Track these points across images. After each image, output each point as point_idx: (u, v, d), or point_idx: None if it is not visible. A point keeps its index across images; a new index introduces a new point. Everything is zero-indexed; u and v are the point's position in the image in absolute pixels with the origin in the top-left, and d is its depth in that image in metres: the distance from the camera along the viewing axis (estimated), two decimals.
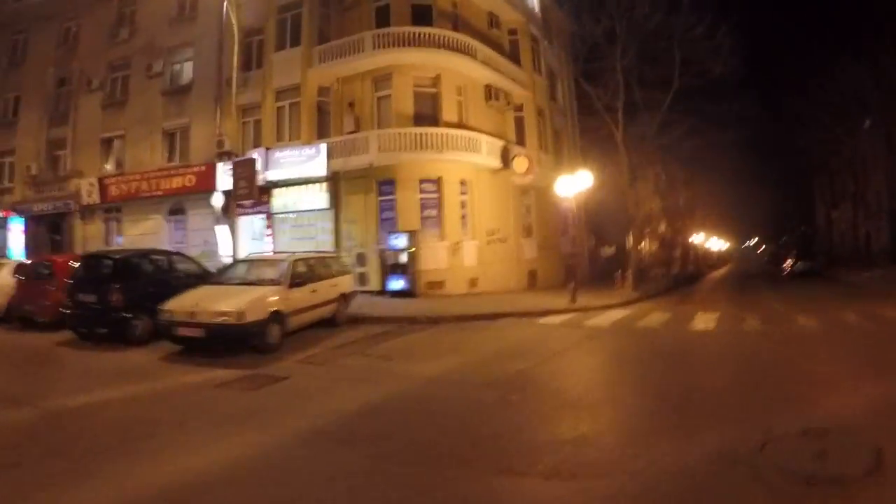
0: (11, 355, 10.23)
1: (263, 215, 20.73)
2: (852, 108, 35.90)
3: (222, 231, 20.74)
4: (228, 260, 18.76)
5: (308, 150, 19.40)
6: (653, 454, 4.76)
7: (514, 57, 23.75)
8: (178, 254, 13.87)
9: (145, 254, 12.44)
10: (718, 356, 9.36)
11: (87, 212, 24.37)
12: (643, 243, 33.70)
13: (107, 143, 24.40)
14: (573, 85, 29.81)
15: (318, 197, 19.69)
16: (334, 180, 19.39)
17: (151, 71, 23.19)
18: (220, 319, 8.96)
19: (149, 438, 5.34)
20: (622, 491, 4.17)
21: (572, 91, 30.12)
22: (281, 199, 20.36)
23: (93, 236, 24.22)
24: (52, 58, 25.55)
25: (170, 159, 22.97)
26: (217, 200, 20.55)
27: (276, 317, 9.68)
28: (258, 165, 19.51)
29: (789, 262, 43.05)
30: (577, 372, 8.57)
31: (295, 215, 20.40)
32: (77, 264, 11.83)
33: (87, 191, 23.82)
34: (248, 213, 20.80)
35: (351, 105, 19.88)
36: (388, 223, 18.98)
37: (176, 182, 22.02)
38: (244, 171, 18.85)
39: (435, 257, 18.78)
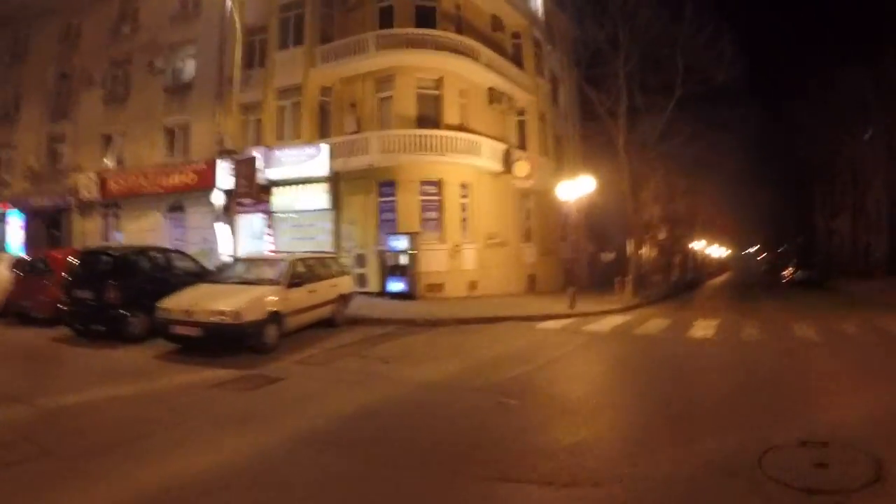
0: (7, 352, 10.17)
1: (263, 214, 20.68)
2: (853, 116, 35.93)
3: (222, 229, 20.70)
4: (228, 258, 18.71)
5: (309, 150, 19.37)
6: (651, 463, 4.73)
7: (518, 61, 23.75)
8: (176, 251, 13.81)
9: (143, 251, 12.39)
10: (717, 364, 9.31)
11: (86, 207, 24.32)
12: (643, 249, 33.65)
13: (107, 139, 24.40)
14: (575, 90, 29.80)
15: (318, 197, 19.65)
16: (335, 180, 19.36)
17: (153, 67, 23.17)
18: (216, 319, 8.91)
19: (144, 439, 5.29)
20: (619, 499, 4.14)
21: (574, 96, 30.11)
22: (281, 199, 20.32)
23: (91, 232, 24.17)
24: (55, 53, 25.58)
25: (170, 156, 22.95)
26: (217, 198, 20.51)
27: (274, 317, 9.63)
28: (259, 164, 19.47)
29: (789, 270, 43.07)
30: (575, 378, 8.53)
31: (295, 215, 20.36)
32: (74, 260, 11.77)
33: (87, 186, 23.76)
34: (247, 212, 20.75)
35: (353, 105, 19.87)
36: (388, 224, 18.94)
37: (176, 179, 21.98)
38: (245, 169, 18.81)
39: (435, 260, 18.74)
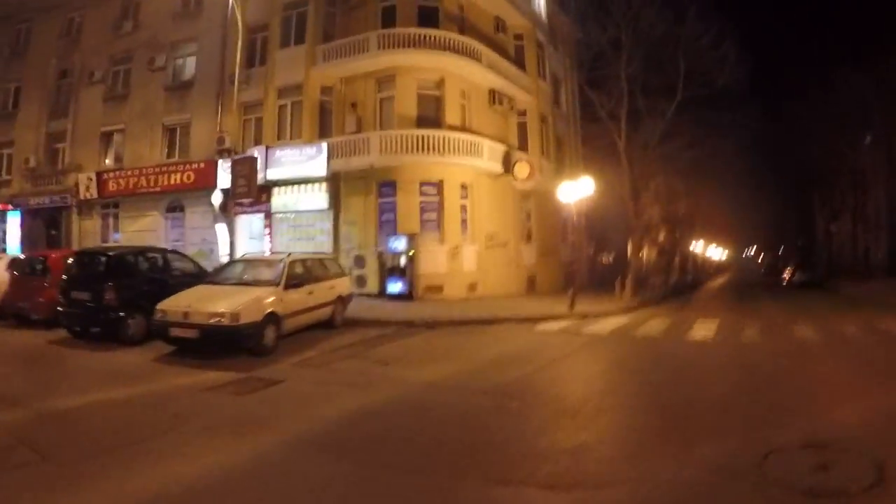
0: (5, 354, 10.09)
1: (262, 214, 20.61)
2: (853, 119, 35.92)
3: (221, 230, 20.65)
4: (227, 259, 18.66)
5: (309, 150, 19.32)
6: (652, 465, 4.70)
7: (519, 62, 23.71)
8: (173, 252, 13.78)
9: (140, 251, 12.31)
10: (718, 366, 9.27)
11: (85, 207, 24.24)
12: (643, 251, 33.62)
13: (106, 137, 24.29)
14: (577, 91, 29.78)
15: (317, 197, 19.60)
16: (334, 181, 19.32)
17: (154, 65, 23.10)
18: (214, 321, 8.86)
19: (141, 443, 5.25)
20: (621, 502, 4.12)
21: (576, 98, 30.08)
22: (280, 199, 20.28)
23: (90, 232, 24.10)
24: (55, 49, 25.46)
25: (169, 155, 22.90)
26: (216, 198, 20.46)
27: (272, 319, 9.57)
28: (258, 164, 19.41)
29: (788, 272, 43.00)
30: (575, 379, 8.49)
31: (294, 215, 20.30)
32: (72, 261, 11.69)
33: (85, 185, 23.68)
34: (246, 212, 20.69)
35: (353, 105, 19.82)
36: (387, 225, 18.90)
37: (175, 178, 21.93)
38: (244, 169, 18.73)
39: (434, 261, 18.68)
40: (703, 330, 13.00)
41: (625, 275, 21.51)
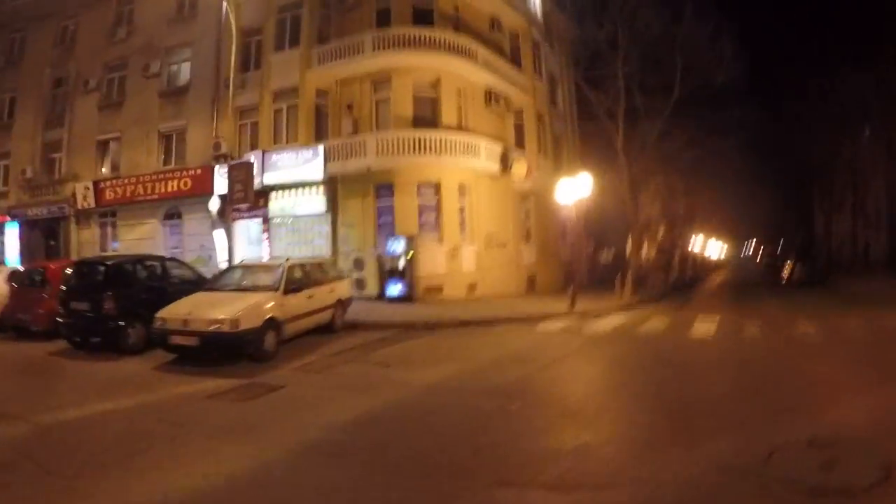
0: (5, 367, 10.07)
1: (260, 219, 20.58)
2: (852, 116, 35.89)
3: (219, 236, 20.60)
4: (225, 265, 18.61)
5: (305, 153, 19.29)
6: (656, 465, 4.68)
7: (515, 61, 23.67)
8: (172, 259, 13.72)
9: (139, 260, 12.26)
10: (719, 363, 9.24)
11: (83, 216, 24.20)
12: (642, 249, 33.61)
13: (103, 146, 24.24)
14: (574, 90, 29.73)
15: (315, 201, 19.57)
16: (332, 184, 19.28)
17: (148, 71, 23.04)
18: (213, 327, 8.83)
19: (143, 454, 5.22)
20: (625, 503, 4.09)
21: (573, 96, 30.03)
22: (278, 203, 20.25)
23: (88, 241, 24.06)
24: (49, 58, 25.39)
25: (166, 162, 22.85)
26: (213, 204, 20.40)
27: (272, 324, 9.54)
28: (255, 169, 19.34)
29: (788, 268, 42.93)
30: (577, 379, 8.47)
31: (292, 219, 20.28)
32: (71, 271, 11.65)
33: (83, 195, 23.65)
34: (244, 218, 20.60)
35: (349, 107, 19.77)
36: (386, 228, 18.87)
37: (172, 185, 21.89)
38: (240, 174, 18.65)
39: (433, 262, 18.65)
40: (704, 328, 12.98)
41: (624, 273, 21.50)
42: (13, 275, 13.46)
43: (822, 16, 65.54)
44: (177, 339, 9.10)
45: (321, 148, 19.08)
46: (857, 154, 39.09)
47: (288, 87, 20.20)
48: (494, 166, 20.65)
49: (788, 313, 16.79)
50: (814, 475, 4.32)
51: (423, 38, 18.86)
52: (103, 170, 24.20)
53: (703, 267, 57.75)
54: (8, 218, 25.59)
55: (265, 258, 17.98)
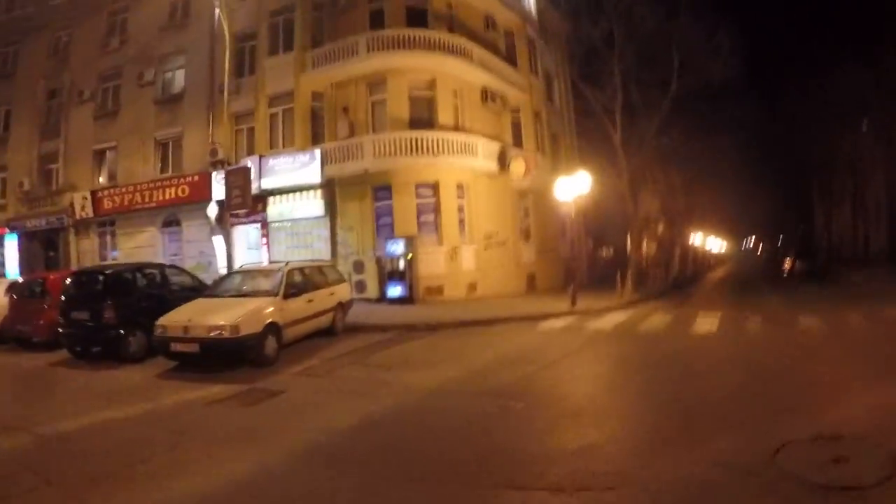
0: (6, 379, 10.06)
1: (259, 224, 20.56)
2: (852, 109, 35.85)
3: (218, 242, 20.55)
4: (225, 271, 18.57)
5: (302, 157, 19.26)
6: (662, 464, 4.62)
7: (511, 59, 23.61)
8: (171, 266, 13.70)
9: (138, 268, 12.20)
10: (723, 360, 9.19)
11: (81, 226, 24.22)
12: (642, 245, 33.57)
13: (99, 155, 24.25)
14: (570, 87, 29.70)
15: (313, 204, 19.54)
16: (329, 187, 19.25)
17: (143, 80, 23.05)
18: (214, 334, 8.82)
19: (144, 462, 5.18)
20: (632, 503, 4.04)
21: (569, 93, 30.00)
22: (276, 208, 20.22)
23: (87, 251, 24.07)
24: (43, 69, 25.40)
25: (163, 170, 22.85)
26: (212, 210, 20.32)
27: (272, 329, 9.52)
28: (252, 174, 19.29)
29: (789, 262, 42.92)
30: (580, 378, 8.41)
31: (290, 223, 20.24)
32: (70, 281, 11.61)
33: (81, 205, 23.66)
34: (242, 223, 20.59)
35: (345, 110, 19.74)
36: (384, 229, 18.84)
37: (169, 193, 21.89)
38: (238, 179, 18.61)
39: (433, 263, 18.62)
40: (707, 324, 12.91)
41: (625, 270, 21.46)
42: (13, 286, 13.44)
43: (820, 11, 65.52)
44: (177, 347, 9.08)
45: (318, 151, 19.06)
46: (856, 145, 39.07)
47: (283, 91, 20.18)
48: (492, 165, 20.62)
49: (790, 308, 16.74)
50: (820, 472, 4.26)
51: (417, 38, 18.82)
52: (100, 179, 24.20)
53: (704, 262, 57.71)
54: (7, 230, 25.61)
55: (265, 263, 17.92)
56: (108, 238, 24.10)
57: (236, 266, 17.05)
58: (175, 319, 9.32)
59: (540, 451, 5.13)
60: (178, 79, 22.87)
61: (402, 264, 17.71)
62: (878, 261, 35.26)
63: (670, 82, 24.60)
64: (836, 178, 45.54)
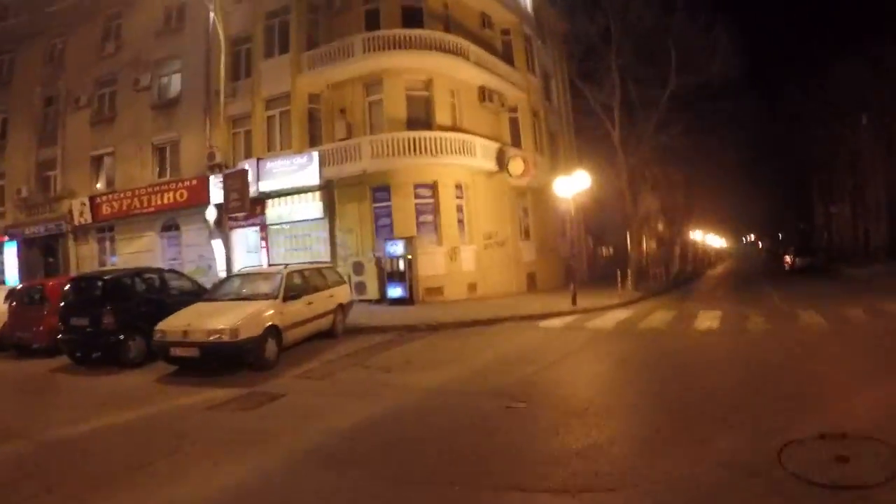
0: (6, 385, 10.01)
1: (257, 227, 20.53)
2: (851, 105, 35.81)
3: (217, 245, 20.53)
4: (224, 275, 18.55)
5: (300, 159, 19.22)
6: (666, 465, 4.58)
7: (508, 58, 23.59)
8: (170, 271, 13.67)
9: (137, 273, 12.19)
10: (725, 357, 9.16)
11: (80, 232, 24.20)
12: (642, 242, 33.54)
13: (97, 161, 24.25)
14: (568, 85, 29.67)
15: (311, 206, 19.51)
16: (328, 189, 19.21)
17: (139, 85, 23.04)
18: (213, 338, 8.78)
19: (145, 467, 5.15)
20: None
21: (567, 92, 29.98)
22: (274, 211, 20.18)
23: (87, 257, 24.05)
24: (39, 77, 25.42)
25: (161, 174, 22.84)
26: (210, 214, 20.33)
27: (272, 332, 9.48)
28: (250, 177, 19.30)
29: (790, 258, 42.96)
30: (582, 377, 8.38)
31: (289, 226, 20.20)
32: (69, 287, 11.58)
33: (79, 211, 23.64)
34: (241, 226, 20.58)
35: (342, 111, 19.70)
36: (384, 230, 18.81)
37: (168, 197, 21.86)
38: (235, 183, 18.65)
39: (433, 263, 18.59)
40: (708, 320, 12.89)
41: (625, 267, 21.41)
42: (12, 293, 13.39)
43: (819, 9, 65.53)
44: (177, 351, 9.07)
45: (316, 153, 19.03)
46: (855, 140, 39.05)
47: (279, 93, 20.14)
48: (491, 164, 20.59)
49: (792, 302, 16.70)
50: (827, 470, 4.21)
51: (413, 38, 18.80)
52: (98, 185, 24.21)
53: (705, 260, 57.71)
54: (6, 238, 25.60)
55: (264, 266, 17.89)
56: (108, 243, 24.08)
57: (235, 269, 17.06)
58: (174, 324, 9.29)
59: (542, 451, 5.09)
60: (175, 83, 22.84)
61: (401, 265, 17.68)
62: (878, 257, 35.26)
63: (669, 79, 24.52)
64: (835, 175, 45.53)
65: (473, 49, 20.37)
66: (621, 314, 14.78)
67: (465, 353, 10.34)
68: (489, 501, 4.23)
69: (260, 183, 19.55)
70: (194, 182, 21.22)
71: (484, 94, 21.12)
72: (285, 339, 9.95)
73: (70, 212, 23.85)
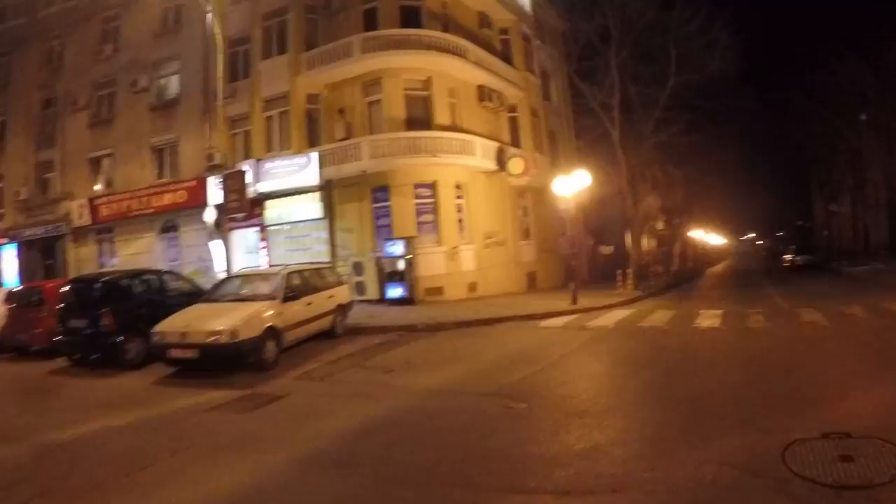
0: (4, 387, 9.97)
1: (257, 228, 20.50)
2: (851, 101, 35.80)
3: (216, 246, 20.48)
4: (223, 275, 18.51)
5: (299, 160, 19.18)
6: (669, 465, 4.54)
7: (507, 57, 23.57)
8: (169, 272, 13.67)
9: (135, 274, 12.17)
10: (727, 356, 9.11)
11: (80, 234, 24.19)
12: (642, 241, 33.51)
13: (95, 163, 24.21)
14: (567, 84, 29.62)
15: (311, 207, 19.47)
16: (327, 189, 19.17)
17: (137, 86, 22.98)
18: (212, 339, 8.73)
19: (143, 470, 5.12)
20: None
21: (566, 90, 29.93)
22: (274, 211, 20.14)
23: (86, 259, 24.01)
24: (37, 79, 25.41)
25: (160, 176, 22.80)
26: (209, 215, 20.26)
27: (272, 333, 9.44)
28: (249, 177, 19.23)
29: (790, 255, 42.99)
30: (583, 377, 8.33)
31: (289, 227, 20.17)
32: (68, 289, 11.54)
33: (78, 212, 23.63)
34: (240, 227, 20.54)
35: (341, 111, 19.66)
36: (383, 230, 18.76)
37: (167, 199, 21.83)
38: (234, 183, 18.58)
39: (433, 263, 18.55)
40: (709, 318, 12.86)
41: (625, 266, 21.39)
42: (11, 295, 13.37)
43: (818, 6, 65.50)
44: (176, 353, 9.03)
45: (315, 154, 18.98)
46: (855, 137, 39.05)
47: (278, 94, 20.11)
48: (490, 164, 20.55)
49: (793, 300, 16.70)
50: (831, 469, 4.17)
51: (411, 38, 18.77)
52: (97, 187, 24.17)
53: (705, 258, 57.71)
54: (5, 240, 25.57)
55: (263, 266, 17.85)
56: (107, 245, 24.04)
57: (235, 270, 17.01)
58: (173, 325, 9.25)
59: (545, 453, 5.05)
60: (173, 84, 22.81)
61: (401, 265, 17.63)
62: (879, 253, 35.25)
63: (668, 77, 24.50)
64: (835, 170, 45.52)
65: (472, 48, 20.34)
66: (622, 313, 14.75)
67: (465, 353, 10.29)
68: (491, 503, 4.19)
69: (259, 183, 19.51)
70: (193, 183, 21.18)
71: (483, 93, 21.09)
72: (285, 339, 9.91)
73: (69, 213, 23.83)
